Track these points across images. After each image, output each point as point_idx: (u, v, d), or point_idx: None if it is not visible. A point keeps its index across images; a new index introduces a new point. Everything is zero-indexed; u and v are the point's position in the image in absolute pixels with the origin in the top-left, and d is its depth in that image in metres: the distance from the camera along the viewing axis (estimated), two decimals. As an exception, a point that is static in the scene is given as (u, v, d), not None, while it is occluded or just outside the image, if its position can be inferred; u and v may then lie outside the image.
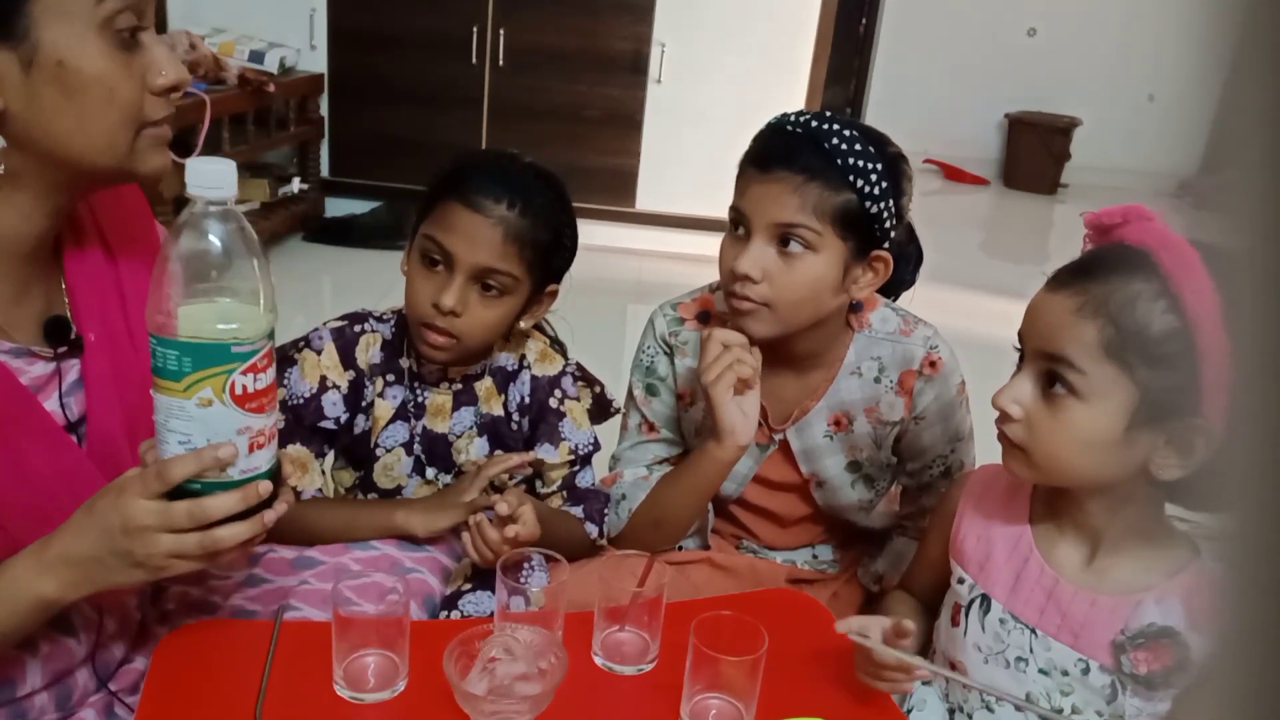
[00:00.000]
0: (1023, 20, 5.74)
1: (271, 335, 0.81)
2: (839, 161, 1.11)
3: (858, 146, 1.12)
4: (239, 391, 0.78)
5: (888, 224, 1.15)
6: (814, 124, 1.13)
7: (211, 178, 0.76)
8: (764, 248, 1.14)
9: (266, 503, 0.82)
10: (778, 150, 1.14)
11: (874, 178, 1.12)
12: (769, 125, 1.19)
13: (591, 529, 1.28)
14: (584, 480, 1.30)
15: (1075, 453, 0.92)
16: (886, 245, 1.16)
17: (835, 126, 1.13)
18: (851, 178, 1.11)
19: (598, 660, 0.97)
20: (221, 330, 0.77)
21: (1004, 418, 0.96)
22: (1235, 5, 0.19)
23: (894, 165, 1.15)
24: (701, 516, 1.31)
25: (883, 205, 1.13)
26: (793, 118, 1.16)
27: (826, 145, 1.11)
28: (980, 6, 5.72)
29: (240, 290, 0.78)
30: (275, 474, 0.84)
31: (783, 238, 1.13)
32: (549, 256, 1.19)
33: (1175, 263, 0.86)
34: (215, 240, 0.77)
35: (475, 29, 3.59)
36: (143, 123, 0.83)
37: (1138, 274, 0.87)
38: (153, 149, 0.85)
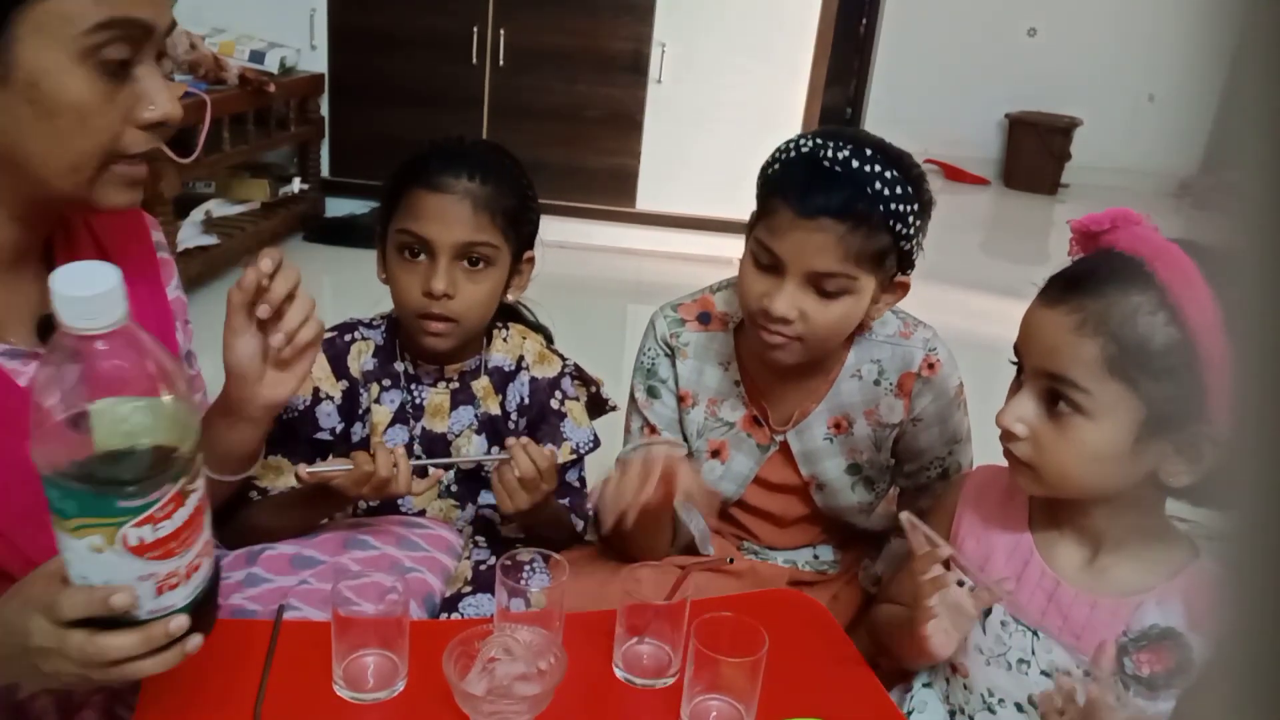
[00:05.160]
0: (1023, 20, 5.74)
1: (182, 476, 0.68)
2: (880, 208, 1.08)
3: (899, 189, 1.09)
4: (134, 543, 0.66)
5: (914, 255, 1.15)
6: (854, 164, 1.08)
7: (84, 308, 0.61)
8: (799, 291, 1.12)
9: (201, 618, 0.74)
10: (820, 195, 1.08)
11: (910, 218, 1.11)
12: (802, 157, 1.12)
13: (577, 522, 1.30)
14: (571, 477, 1.31)
15: (1085, 468, 0.92)
16: (909, 269, 1.16)
17: (876, 168, 1.08)
18: (892, 222, 1.09)
19: (619, 673, 0.95)
20: (99, 480, 0.64)
21: (1009, 436, 0.95)
22: (1235, 5, 0.19)
23: (923, 196, 1.13)
24: (660, 533, 1.27)
25: (915, 241, 1.13)
26: (829, 153, 1.10)
27: (869, 190, 1.08)
28: (980, 6, 5.72)
29: (127, 430, 0.64)
30: (204, 598, 0.74)
31: (820, 284, 1.11)
32: (519, 221, 1.21)
33: (1171, 272, 0.85)
34: (96, 377, 0.63)
35: (475, 29, 3.59)
36: (116, 155, 0.80)
37: (1134, 286, 0.87)
38: (118, 187, 0.82)
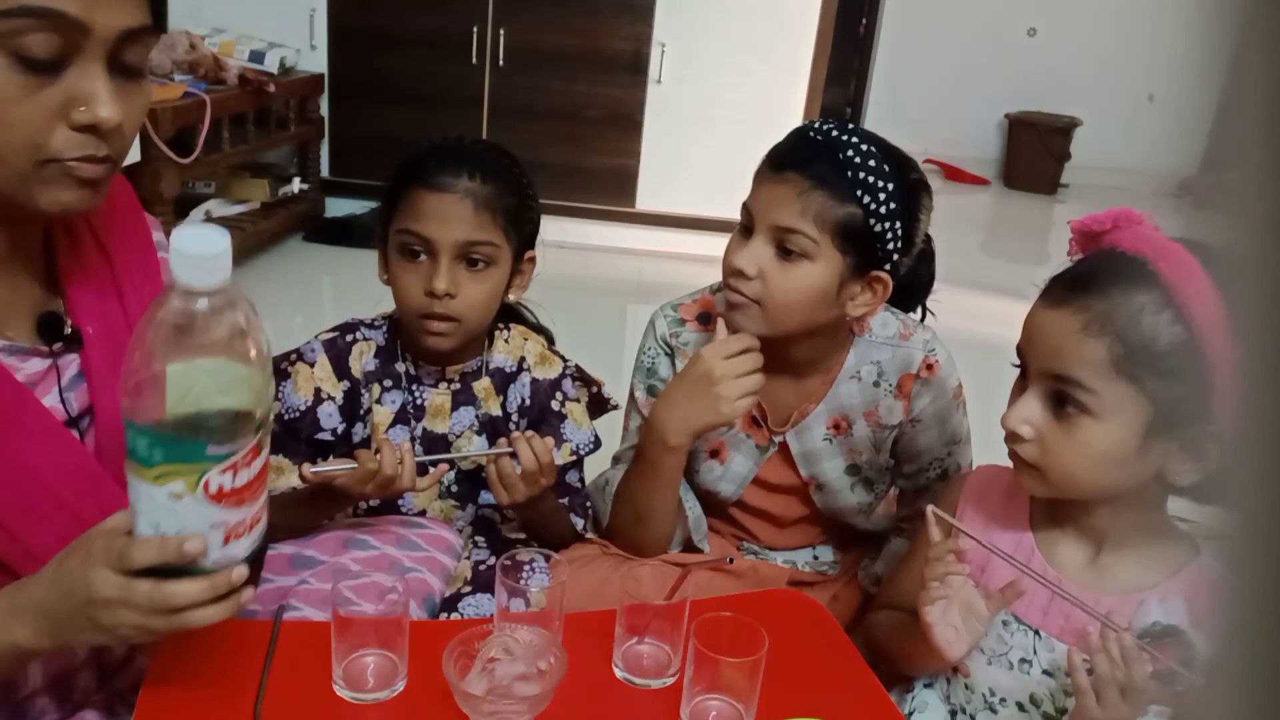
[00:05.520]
0: (1023, 20, 5.74)
1: (260, 430, 0.72)
2: (849, 174, 1.10)
3: (872, 163, 1.10)
4: (214, 490, 0.71)
5: (891, 245, 1.13)
6: (834, 133, 1.13)
7: (198, 265, 0.67)
8: (763, 247, 1.14)
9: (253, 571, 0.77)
10: (793, 154, 1.13)
11: (883, 196, 1.10)
12: (795, 129, 1.18)
13: (577, 520, 1.30)
14: (570, 478, 1.31)
15: (1091, 468, 0.91)
16: (888, 267, 1.15)
17: (855, 140, 1.12)
18: (859, 192, 1.10)
19: (619, 673, 0.95)
20: (192, 426, 0.68)
21: (1014, 438, 0.95)
22: (1235, 5, 0.19)
23: (911, 190, 1.14)
24: (676, 506, 1.29)
25: (888, 225, 1.12)
26: (818, 124, 1.15)
27: (840, 156, 1.10)
28: (980, 6, 5.72)
29: (221, 382, 0.69)
30: (258, 552, 0.78)
31: (781, 240, 1.12)
32: (520, 220, 1.21)
33: (1175, 271, 0.85)
34: (196, 327, 0.68)
35: (475, 29, 3.59)
36: (46, 156, 0.75)
37: (1138, 285, 0.87)
38: (59, 185, 0.77)
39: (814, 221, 1.11)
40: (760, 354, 1.16)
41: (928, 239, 1.25)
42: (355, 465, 1.07)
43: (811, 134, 1.14)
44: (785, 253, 1.13)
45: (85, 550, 0.75)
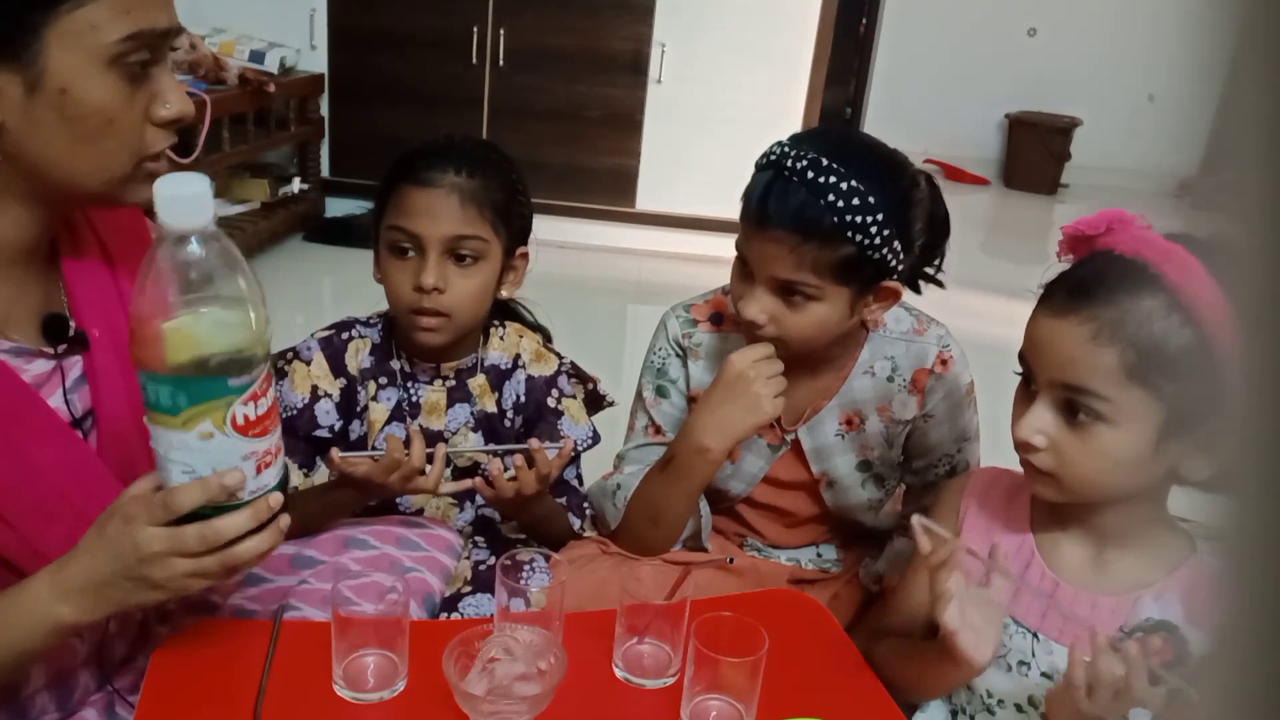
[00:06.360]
0: (1023, 20, 5.74)
1: (268, 357, 0.77)
2: (835, 219, 1.07)
3: (856, 200, 1.07)
4: (240, 422, 0.74)
5: (892, 262, 1.13)
6: (810, 174, 1.07)
7: (183, 206, 0.70)
8: (767, 297, 1.14)
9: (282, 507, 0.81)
10: (772, 206, 1.09)
11: (874, 229, 1.08)
12: (769, 165, 1.12)
13: (574, 520, 1.30)
14: (568, 474, 1.31)
15: (1108, 473, 0.91)
16: (895, 275, 1.15)
17: (833, 179, 1.07)
18: (850, 233, 1.08)
19: (619, 673, 0.95)
20: (213, 364, 0.72)
21: (1027, 448, 0.94)
22: (1235, 5, 0.19)
23: (899, 204, 1.11)
24: (694, 510, 1.30)
25: (885, 251, 1.10)
26: (790, 163, 1.09)
27: (823, 201, 1.07)
28: (980, 6, 5.71)
29: (228, 317, 0.73)
30: (285, 482, 0.82)
31: (784, 289, 1.12)
32: (509, 215, 1.21)
33: (1179, 273, 0.85)
34: (193, 268, 0.71)
35: (475, 29, 3.58)
36: (143, 155, 0.83)
37: (1145, 290, 0.86)
38: (144, 182, 0.84)
39: (812, 271, 1.10)
40: (779, 357, 1.18)
41: (938, 214, 1.21)
42: (383, 452, 1.08)
43: (786, 173, 1.09)
44: (790, 295, 1.13)
45: (121, 516, 0.77)
